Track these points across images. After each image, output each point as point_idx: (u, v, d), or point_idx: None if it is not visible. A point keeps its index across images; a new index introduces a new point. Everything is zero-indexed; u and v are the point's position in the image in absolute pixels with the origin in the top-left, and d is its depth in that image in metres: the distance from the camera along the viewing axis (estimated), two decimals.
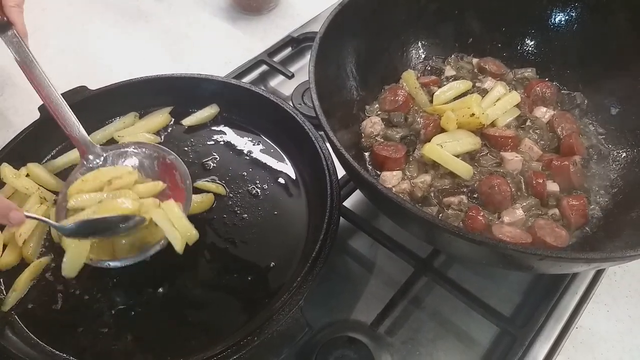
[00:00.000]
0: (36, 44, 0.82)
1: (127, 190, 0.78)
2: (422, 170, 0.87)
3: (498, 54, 1.05)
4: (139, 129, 0.95)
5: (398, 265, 0.88)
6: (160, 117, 0.97)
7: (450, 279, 0.85)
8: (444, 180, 0.85)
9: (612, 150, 0.91)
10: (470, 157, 0.87)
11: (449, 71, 1.01)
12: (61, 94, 0.83)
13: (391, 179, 0.86)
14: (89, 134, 0.84)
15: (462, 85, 0.95)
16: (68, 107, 0.82)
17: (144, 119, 0.97)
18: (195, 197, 0.84)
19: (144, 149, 0.85)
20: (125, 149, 0.85)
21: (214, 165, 0.91)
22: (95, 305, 0.76)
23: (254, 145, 0.95)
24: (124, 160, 0.84)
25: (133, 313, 0.75)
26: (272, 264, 0.79)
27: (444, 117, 0.88)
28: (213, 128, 0.97)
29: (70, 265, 0.73)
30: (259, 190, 0.88)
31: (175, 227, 0.73)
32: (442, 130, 0.89)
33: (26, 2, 0.83)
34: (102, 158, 0.84)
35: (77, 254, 0.73)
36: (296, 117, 0.90)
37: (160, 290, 0.77)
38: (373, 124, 0.93)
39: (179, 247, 0.72)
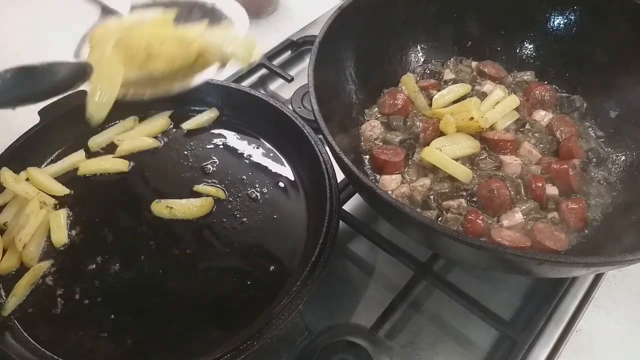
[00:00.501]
0: (35, 45, 0.80)
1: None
2: (421, 174, 0.87)
3: (497, 57, 1.05)
4: (139, 133, 0.95)
5: (398, 269, 0.88)
6: (160, 121, 0.97)
7: (449, 283, 0.85)
8: (443, 184, 0.85)
9: (611, 154, 0.91)
10: (469, 160, 0.87)
11: (448, 75, 1.02)
12: (60, 99, 0.83)
13: (390, 183, 0.86)
14: (88, 138, 0.82)
15: (461, 88, 0.95)
16: None
17: (143, 122, 0.98)
18: (195, 201, 0.85)
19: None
20: (156, 3, 0.75)
21: (214, 169, 0.91)
22: (95, 310, 0.76)
23: (253, 148, 0.95)
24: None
25: (133, 318, 0.75)
26: (272, 267, 0.79)
27: (443, 121, 0.88)
28: (213, 132, 0.97)
29: (100, 101, 0.64)
30: (258, 194, 0.88)
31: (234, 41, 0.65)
32: (441, 134, 0.89)
33: (25, 3, 0.82)
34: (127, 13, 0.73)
35: (109, 80, 0.64)
36: (295, 120, 0.90)
37: (160, 295, 0.77)
38: (372, 128, 0.93)
39: (242, 56, 0.65)
